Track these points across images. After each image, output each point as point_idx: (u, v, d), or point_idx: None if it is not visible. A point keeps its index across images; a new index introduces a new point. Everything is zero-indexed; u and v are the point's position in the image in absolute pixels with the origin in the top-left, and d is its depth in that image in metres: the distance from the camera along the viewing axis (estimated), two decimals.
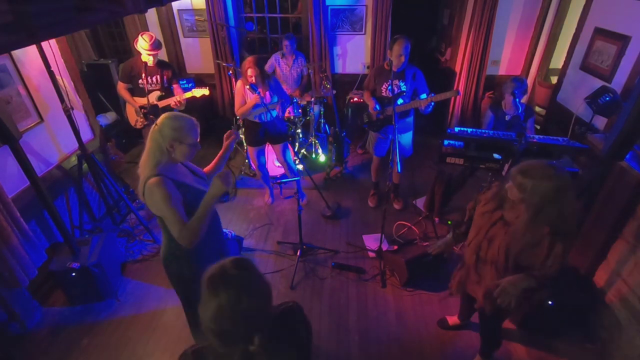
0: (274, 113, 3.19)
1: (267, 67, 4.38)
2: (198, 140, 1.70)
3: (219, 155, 2.04)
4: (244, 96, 3.15)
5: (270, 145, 3.47)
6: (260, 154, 3.49)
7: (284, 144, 3.41)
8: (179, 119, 1.63)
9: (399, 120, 3.16)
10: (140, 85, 3.36)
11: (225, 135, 2.01)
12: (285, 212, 3.74)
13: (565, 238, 1.53)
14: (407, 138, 3.35)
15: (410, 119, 3.28)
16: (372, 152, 3.55)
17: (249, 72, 2.95)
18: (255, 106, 3.09)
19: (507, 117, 3.13)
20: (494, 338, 2.15)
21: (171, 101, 3.42)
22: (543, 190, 1.46)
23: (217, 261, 1.89)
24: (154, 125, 1.64)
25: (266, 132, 3.31)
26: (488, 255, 1.74)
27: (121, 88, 3.46)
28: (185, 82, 4.56)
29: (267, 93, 3.13)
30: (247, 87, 3.02)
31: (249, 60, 2.97)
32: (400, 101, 3.08)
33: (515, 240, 1.61)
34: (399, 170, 2.67)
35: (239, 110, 3.18)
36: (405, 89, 3.07)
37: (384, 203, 2.89)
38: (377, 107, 3.12)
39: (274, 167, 4.03)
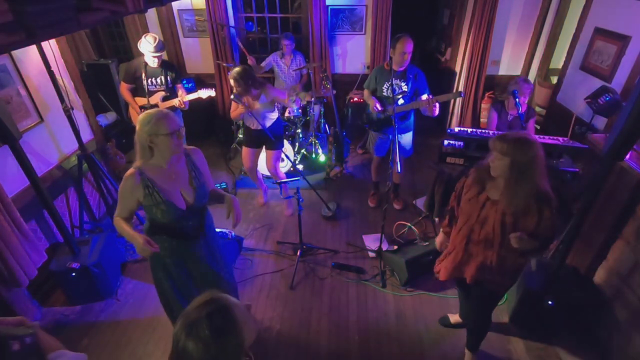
0: (267, 123, 3.15)
1: (264, 64, 4.39)
2: (176, 129, 1.67)
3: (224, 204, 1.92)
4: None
5: (265, 148, 3.46)
6: (253, 155, 3.45)
7: (277, 152, 3.39)
8: (148, 114, 1.67)
9: (400, 120, 3.15)
10: (144, 86, 3.36)
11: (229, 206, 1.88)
12: (285, 212, 3.74)
13: (549, 203, 1.64)
14: (407, 138, 3.34)
15: (410, 120, 3.27)
16: (373, 152, 3.55)
17: (232, 82, 2.95)
18: (249, 114, 3.05)
19: (509, 117, 3.14)
20: (486, 324, 2.14)
21: (175, 102, 3.43)
22: (522, 148, 1.59)
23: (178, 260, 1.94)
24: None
25: (260, 138, 3.31)
26: (481, 236, 1.81)
27: (124, 88, 3.46)
28: (185, 82, 4.56)
29: (257, 102, 3.06)
30: (232, 96, 2.97)
31: (234, 71, 2.91)
32: (401, 101, 3.07)
33: (508, 210, 1.69)
34: (399, 171, 2.67)
35: (231, 114, 3.19)
36: (407, 89, 3.06)
37: (384, 203, 2.89)
38: (378, 106, 3.10)
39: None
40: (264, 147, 3.47)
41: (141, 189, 1.70)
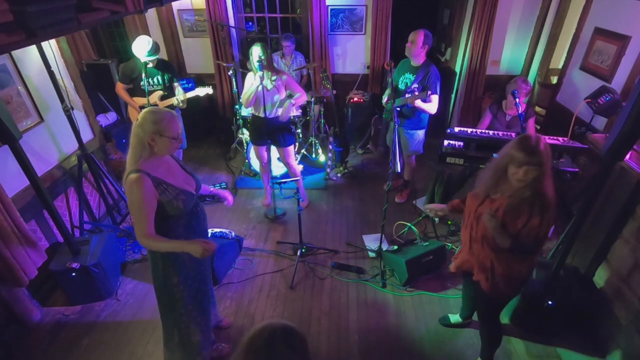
0: (274, 113, 3.17)
1: None
2: (179, 133, 1.70)
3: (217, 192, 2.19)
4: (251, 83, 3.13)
5: (274, 146, 3.44)
6: (263, 152, 3.46)
7: (286, 149, 3.38)
8: (157, 112, 1.64)
9: (406, 116, 3.31)
10: (142, 86, 3.36)
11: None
12: (285, 212, 3.74)
13: (543, 210, 1.60)
14: (416, 135, 3.40)
15: (419, 117, 3.32)
16: (390, 144, 3.59)
17: (257, 49, 2.95)
18: (262, 96, 3.03)
19: (507, 118, 3.14)
20: (494, 333, 2.12)
21: (173, 100, 3.42)
22: (549, 154, 1.57)
23: (197, 266, 1.89)
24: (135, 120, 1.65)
25: (270, 131, 3.25)
26: (478, 233, 1.82)
27: (120, 88, 3.46)
28: (185, 82, 4.56)
29: (270, 82, 3.09)
30: (255, 63, 2.95)
31: (260, 43, 2.98)
32: (408, 96, 3.15)
33: (501, 207, 1.69)
34: (399, 171, 2.68)
35: (243, 96, 3.16)
36: (416, 86, 3.13)
37: (385, 202, 2.89)
38: (384, 97, 3.28)
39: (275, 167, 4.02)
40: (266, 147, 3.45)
41: (154, 188, 1.65)
